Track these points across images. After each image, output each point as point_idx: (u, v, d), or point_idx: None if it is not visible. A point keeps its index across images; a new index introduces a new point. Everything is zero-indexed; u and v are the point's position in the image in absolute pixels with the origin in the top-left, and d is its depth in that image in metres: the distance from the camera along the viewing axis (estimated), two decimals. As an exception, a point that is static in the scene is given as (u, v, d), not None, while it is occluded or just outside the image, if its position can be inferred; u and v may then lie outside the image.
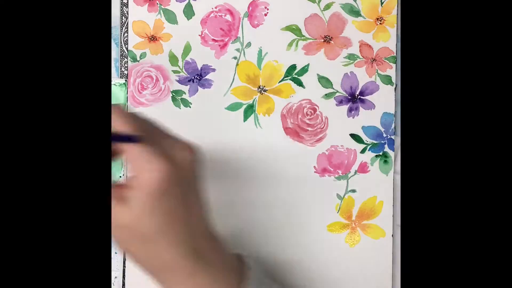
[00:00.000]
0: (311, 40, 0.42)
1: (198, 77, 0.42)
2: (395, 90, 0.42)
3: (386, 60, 0.42)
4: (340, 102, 0.42)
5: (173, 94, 0.42)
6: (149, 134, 0.28)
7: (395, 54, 0.42)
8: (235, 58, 0.42)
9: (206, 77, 0.42)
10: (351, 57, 0.42)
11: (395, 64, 0.42)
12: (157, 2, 0.42)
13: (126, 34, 0.42)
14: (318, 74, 0.42)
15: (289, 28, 0.42)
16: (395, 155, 0.42)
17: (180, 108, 0.42)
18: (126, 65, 0.42)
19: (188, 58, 0.42)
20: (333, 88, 0.42)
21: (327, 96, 0.42)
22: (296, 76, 0.42)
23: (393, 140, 0.42)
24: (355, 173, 0.42)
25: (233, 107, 0.42)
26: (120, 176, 0.32)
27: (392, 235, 0.41)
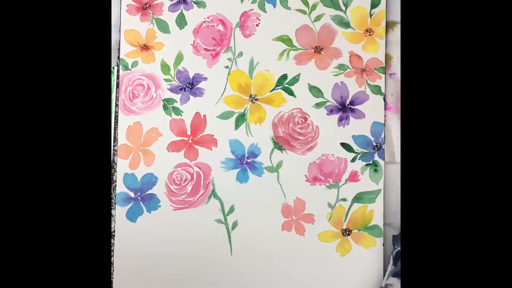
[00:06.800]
0: (302, 51, 0.43)
1: (189, 85, 0.42)
2: (384, 100, 0.42)
3: (375, 71, 0.43)
4: (331, 112, 0.42)
5: (165, 102, 0.42)
6: None
7: (384, 65, 0.43)
8: (227, 67, 0.42)
9: (198, 85, 0.42)
10: (341, 67, 0.43)
11: (384, 75, 0.42)
12: (150, 11, 0.43)
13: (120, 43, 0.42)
14: (309, 84, 0.42)
15: (281, 39, 0.43)
16: (384, 164, 0.42)
17: (171, 116, 0.42)
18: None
19: (180, 67, 0.42)
20: (324, 98, 0.42)
21: (318, 105, 0.42)
22: (287, 85, 0.42)
23: (383, 149, 0.42)
24: (346, 182, 0.42)
25: (225, 115, 0.42)
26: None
27: (383, 244, 0.41)
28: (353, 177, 0.42)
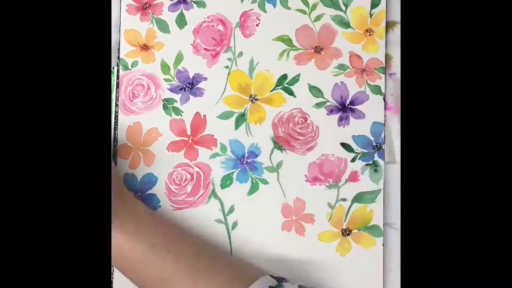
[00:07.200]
0: (302, 51, 0.43)
1: (189, 85, 0.42)
2: (384, 100, 0.42)
3: (375, 71, 0.43)
4: (331, 112, 0.42)
5: (165, 102, 0.42)
6: None
7: (384, 65, 0.43)
8: (227, 67, 0.42)
9: (198, 85, 0.42)
10: (341, 67, 0.43)
11: (384, 75, 0.42)
12: (150, 11, 0.43)
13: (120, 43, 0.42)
14: (309, 84, 0.42)
15: (281, 38, 0.43)
16: (384, 164, 0.42)
17: (171, 116, 0.42)
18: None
19: (180, 67, 0.42)
20: (324, 98, 0.42)
21: (318, 105, 0.42)
22: (287, 85, 0.42)
23: (383, 149, 0.42)
24: (346, 182, 0.42)
25: (225, 115, 0.42)
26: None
27: (383, 244, 0.41)
28: (353, 177, 0.42)
